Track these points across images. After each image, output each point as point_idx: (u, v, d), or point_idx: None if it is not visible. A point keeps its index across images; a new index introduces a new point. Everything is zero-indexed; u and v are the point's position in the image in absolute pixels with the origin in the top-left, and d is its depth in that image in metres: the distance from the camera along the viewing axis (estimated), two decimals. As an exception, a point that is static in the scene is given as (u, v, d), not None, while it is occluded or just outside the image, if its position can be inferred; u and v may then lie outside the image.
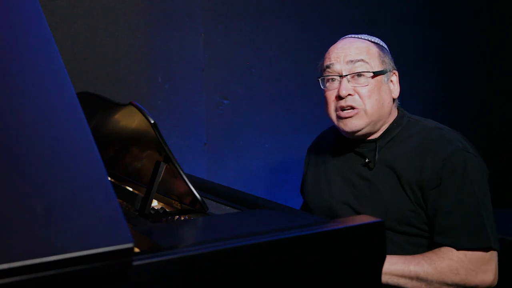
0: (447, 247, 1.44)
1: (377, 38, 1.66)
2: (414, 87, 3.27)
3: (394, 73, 1.64)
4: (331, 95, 1.60)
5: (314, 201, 1.74)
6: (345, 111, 1.56)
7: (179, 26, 2.67)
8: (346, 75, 1.56)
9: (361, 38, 1.64)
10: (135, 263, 0.80)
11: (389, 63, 1.62)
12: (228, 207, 1.37)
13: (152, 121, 1.29)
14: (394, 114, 1.65)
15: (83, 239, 0.74)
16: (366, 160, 1.60)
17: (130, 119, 1.44)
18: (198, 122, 2.75)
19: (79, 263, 0.72)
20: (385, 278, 1.41)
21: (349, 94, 1.55)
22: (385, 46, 1.66)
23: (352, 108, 1.56)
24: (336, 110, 1.59)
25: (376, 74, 1.56)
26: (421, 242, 1.53)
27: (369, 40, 1.63)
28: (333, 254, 1.00)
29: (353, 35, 1.66)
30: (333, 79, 1.59)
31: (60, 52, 1.02)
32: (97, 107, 1.65)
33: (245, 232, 0.98)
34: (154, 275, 0.82)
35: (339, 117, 1.58)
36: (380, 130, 1.62)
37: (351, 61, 1.55)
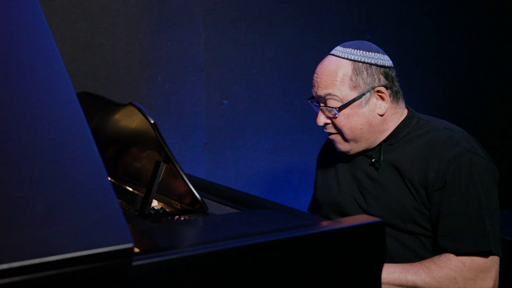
0: (446, 255, 1.43)
1: (362, 51, 1.54)
2: (414, 87, 3.26)
3: (377, 90, 1.54)
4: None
5: (323, 197, 1.75)
6: (330, 134, 1.61)
7: (179, 26, 2.67)
8: (321, 106, 1.58)
9: (338, 56, 1.55)
10: (135, 263, 0.80)
11: (367, 84, 1.52)
12: (228, 207, 1.37)
13: (152, 121, 1.29)
14: (399, 117, 1.60)
15: (83, 239, 0.74)
16: (373, 160, 1.60)
17: (130, 119, 1.44)
18: (198, 122, 2.75)
19: (79, 263, 0.72)
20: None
21: (326, 123, 1.58)
22: (368, 61, 1.53)
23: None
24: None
25: (343, 107, 1.53)
26: (429, 242, 1.51)
27: (346, 58, 1.53)
28: (333, 254, 1.00)
29: (334, 52, 1.58)
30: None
31: (60, 52, 1.02)
32: (97, 107, 1.65)
33: (245, 232, 0.99)
34: (154, 275, 0.82)
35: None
36: (382, 137, 1.59)
37: (320, 95, 1.56)
